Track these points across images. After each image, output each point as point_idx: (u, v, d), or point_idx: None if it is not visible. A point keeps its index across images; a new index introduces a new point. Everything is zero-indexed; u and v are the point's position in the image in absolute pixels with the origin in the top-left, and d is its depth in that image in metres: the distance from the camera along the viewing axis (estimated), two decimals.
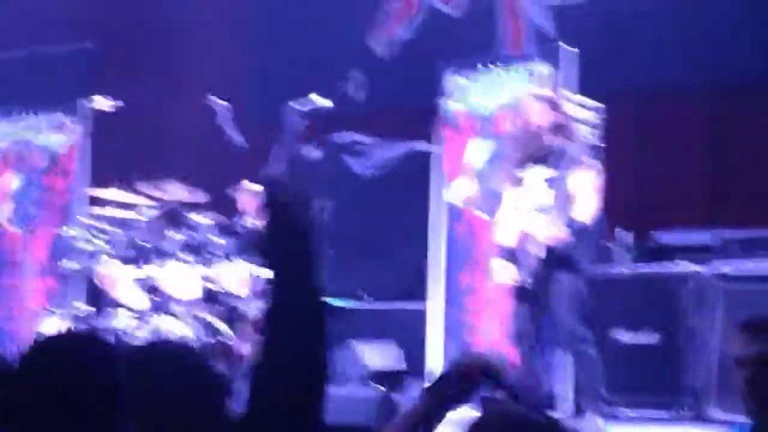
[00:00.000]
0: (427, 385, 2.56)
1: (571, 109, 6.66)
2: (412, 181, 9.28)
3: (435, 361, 7.89)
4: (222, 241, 7.57)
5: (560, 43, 7.73)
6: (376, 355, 8.21)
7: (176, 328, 7.11)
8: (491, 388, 2.52)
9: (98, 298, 7.92)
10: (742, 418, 3.48)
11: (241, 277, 7.38)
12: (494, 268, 6.57)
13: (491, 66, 7.98)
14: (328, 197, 8.12)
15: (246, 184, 8.01)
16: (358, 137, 9.98)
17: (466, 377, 2.51)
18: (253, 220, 7.78)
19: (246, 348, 7.17)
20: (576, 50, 7.52)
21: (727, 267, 7.00)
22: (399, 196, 9.57)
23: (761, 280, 6.84)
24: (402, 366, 8.29)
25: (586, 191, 6.30)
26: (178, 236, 7.53)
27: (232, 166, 7.51)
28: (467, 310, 7.77)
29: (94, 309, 8.04)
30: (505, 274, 6.42)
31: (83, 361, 2.19)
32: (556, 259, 6.27)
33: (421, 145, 9.26)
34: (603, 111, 7.37)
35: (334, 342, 7.96)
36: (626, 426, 6.81)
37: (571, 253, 6.29)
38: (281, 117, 7.13)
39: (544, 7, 9.57)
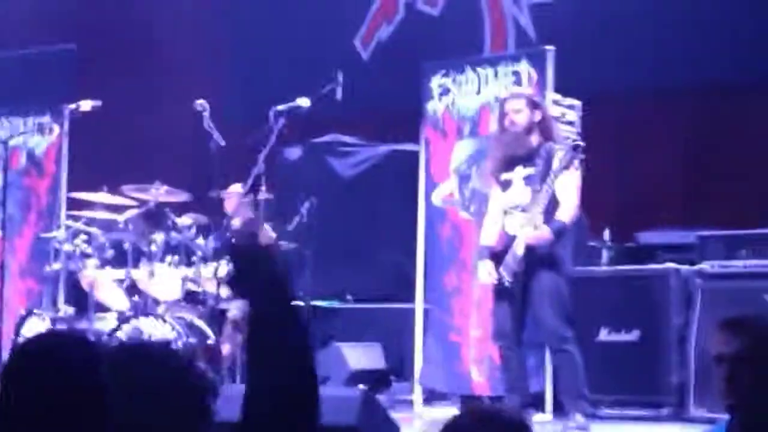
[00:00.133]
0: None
1: (552, 108, 6.68)
2: (396, 182, 9.29)
3: (420, 361, 7.91)
4: (203, 242, 7.56)
5: (544, 45, 7.74)
6: (360, 355, 8.22)
7: (157, 329, 7.10)
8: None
9: (80, 299, 7.91)
10: (721, 416, 3.50)
11: (223, 278, 7.37)
12: (478, 269, 6.58)
13: (474, 66, 7.99)
14: (312, 198, 8.12)
15: (231, 186, 8.00)
16: (341, 138, 10.00)
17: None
18: (236, 221, 7.76)
19: (227, 348, 7.17)
20: (553, 49, 7.53)
21: (707, 265, 7.03)
22: (382, 197, 9.58)
23: (740, 278, 6.88)
24: (385, 366, 8.29)
25: (568, 191, 6.32)
26: (159, 237, 7.52)
27: (214, 167, 7.49)
28: (453, 311, 7.78)
29: (75, 310, 8.03)
30: (488, 274, 6.43)
31: (66, 363, 2.19)
32: (538, 259, 6.28)
33: (404, 147, 9.28)
34: (584, 110, 7.40)
35: (317, 342, 7.95)
36: (608, 425, 6.83)
37: (552, 253, 6.30)
38: (264, 118, 7.12)
39: (526, 7, 9.61)
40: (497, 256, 6.43)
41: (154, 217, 7.71)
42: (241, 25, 11.19)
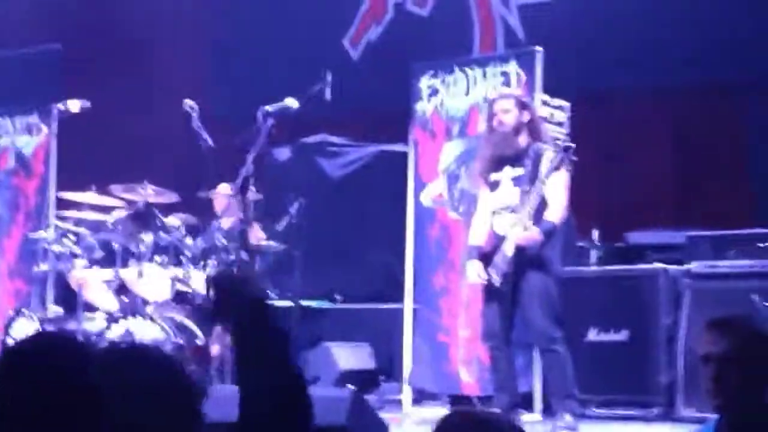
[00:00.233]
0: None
1: (541, 109, 6.68)
2: (385, 182, 9.29)
3: (409, 362, 7.92)
4: (193, 242, 7.55)
5: (533, 46, 7.75)
6: (349, 355, 8.22)
7: (147, 330, 7.09)
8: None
9: (68, 299, 7.89)
10: (710, 416, 3.51)
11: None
12: (466, 269, 6.59)
13: (463, 67, 8.00)
14: (301, 198, 8.12)
15: (220, 186, 8.00)
16: (330, 139, 10.00)
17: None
18: (225, 221, 7.77)
19: (216, 349, 7.16)
20: (541, 49, 7.54)
21: (696, 266, 7.05)
22: (372, 198, 9.58)
23: (729, 278, 6.89)
24: (374, 366, 8.29)
25: (557, 191, 6.32)
26: (148, 237, 7.51)
27: (202, 167, 7.49)
28: (441, 311, 7.79)
29: (64, 311, 8.02)
30: (477, 275, 6.44)
31: (57, 365, 2.18)
32: (527, 259, 6.29)
33: (393, 147, 9.28)
34: (573, 110, 7.41)
35: (306, 343, 7.93)
36: (597, 424, 6.84)
37: (541, 253, 6.31)
38: (252, 119, 7.12)
39: (515, 8, 9.61)
40: (486, 257, 6.43)
41: (143, 217, 7.70)
42: (230, 26, 11.18)
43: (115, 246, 7.49)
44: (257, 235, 7.69)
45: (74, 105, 8.03)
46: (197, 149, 7.44)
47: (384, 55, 10.12)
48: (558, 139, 6.29)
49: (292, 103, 6.99)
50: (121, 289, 7.53)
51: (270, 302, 2.68)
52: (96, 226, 7.73)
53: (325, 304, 9.14)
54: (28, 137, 9.16)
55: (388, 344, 8.35)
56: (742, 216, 7.93)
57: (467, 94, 7.91)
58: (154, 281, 7.45)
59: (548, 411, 6.77)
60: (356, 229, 9.54)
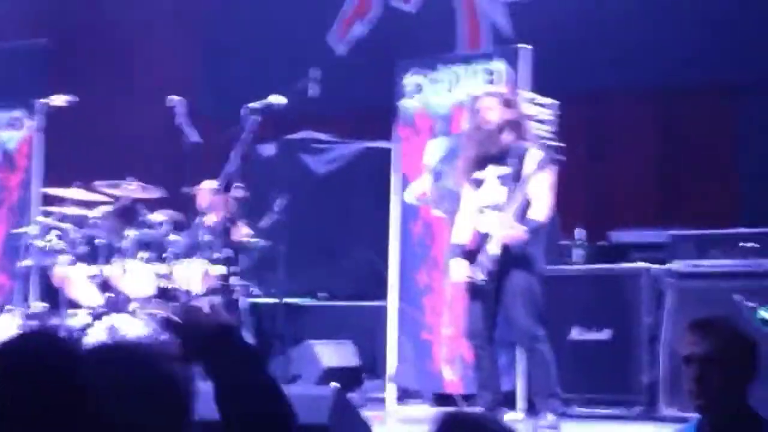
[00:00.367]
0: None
1: (526, 107, 6.68)
2: (369, 179, 9.29)
3: (393, 359, 7.92)
4: (177, 238, 7.54)
5: (519, 44, 7.76)
6: (332, 352, 8.22)
7: (131, 326, 7.08)
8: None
9: (53, 295, 7.87)
10: (692, 415, 3.52)
11: (196, 274, 7.36)
12: (450, 267, 6.58)
13: (448, 64, 8.00)
14: (285, 194, 8.11)
15: (204, 183, 7.99)
16: (315, 135, 9.99)
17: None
18: (209, 218, 7.76)
19: None
20: (528, 47, 7.55)
21: (678, 265, 7.07)
22: (356, 195, 9.58)
23: (711, 277, 6.92)
24: (358, 363, 8.29)
25: (542, 190, 6.32)
26: (132, 233, 7.49)
27: (187, 163, 7.48)
28: (424, 309, 7.79)
29: (47, 307, 7.99)
30: (461, 273, 6.44)
31: (43, 363, 2.17)
32: (511, 258, 6.28)
33: (378, 144, 9.28)
34: (558, 109, 7.41)
35: (290, 340, 7.92)
36: (579, 423, 6.86)
37: (526, 252, 6.31)
38: (238, 115, 7.11)
39: (502, 6, 9.61)
40: (470, 255, 6.43)
41: (127, 213, 7.69)
42: (216, 22, 11.15)
43: (100, 241, 7.47)
44: (241, 232, 7.68)
45: (59, 100, 8.00)
46: (182, 145, 7.44)
47: (369, 51, 10.11)
48: (544, 138, 6.29)
49: (276, 100, 6.98)
50: (105, 285, 7.51)
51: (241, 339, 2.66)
52: (80, 222, 7.71)
53: (308, 302, 9.14)
54: (12, 132, 9.13)
55: (371, 342, 8.36)
56: (726, 216, 7.95)
57: (452, 91, 7.92)
58: (137, 277, 7.43)
59: (531, 410, 6.79)
60: (340, 225, 9.54)
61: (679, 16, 8.69)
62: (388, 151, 8.37)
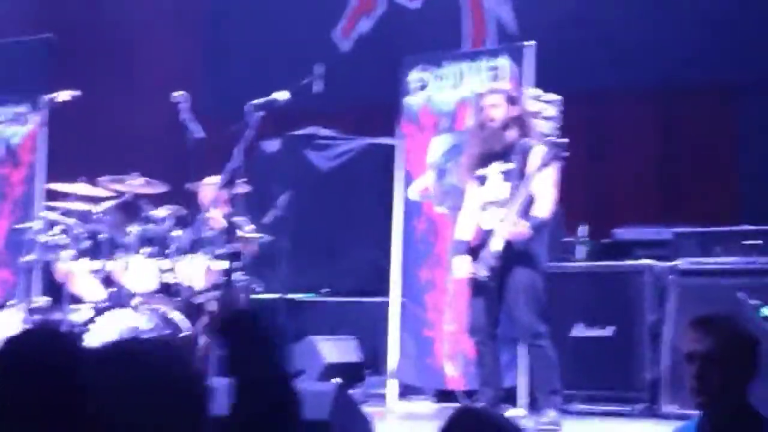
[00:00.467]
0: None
1: (530, 104, 6.68)
2: (373, 175, 9.29)
3: (395, 356, 7.93)
4: (180, 234, 7.55)
5: (524, 41, 7.75)
6: (334, 348, 8.22)
7: (133, 321, 7.09)
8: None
9: (56, 290, 7.88)
10: (693, 412, 3.52)
11: (199, 270, 7.36)
12: (453, 264, 6.58)
13: (453, 61, 8.00)
14: (289, 190, 8.12)
15: (207, 178, 7.99)
16: (319, 131, 9.99)
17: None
18: (212, 213, 7.76)
19: (203, 340, 7.16)
20: (533, 44, 7.54)
21: (682, 262, 7.07)
22: (359, 191, 9.58)
23: (714, 275, 6.91)
24: (359, 359, 8.30)
25: (545, 187, 6.32)
26: (136, 229, 7.50)
27: (191, 159, 7.48)
28: (426, 306, 7.79)
29: (50, 302, 7.99)
30: (464, 270, 6.44)
31: (48, 362, 2.17)
32: (514, 255, 6.28)
33: (382, 140, 9.28)
34: (562, 106, 7.41)
35: (292, 336, 7.92)
36: (581, 420, 6.86)
37: (529, 249, 6.31)
38: (242, 111, 7.11)
39: (507, 2, 9.61)
40: (473, 251, 6.43)
41: (130, 208, 7.69)
42: (220, 17, 11.16)
43: (103, 236, 7.48)
44: (244, 228, 7.69)
45: (64, 95, 8.00)
46: (186, 141, 7.44)
47: (374, 48, 10.12)
48: (548, 134, 6.29)
49: (280, 96, 6.98)
50: (108, 280, 7.52)
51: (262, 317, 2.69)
52: (84, 217, 7.71)
53: (311, 297, 9.14)
54: (17, 127, 9.14)
55: (373, 338, 8.36)
56: (726, 216, 7.94)
57: (456, 88, 7.92)
58: (140, 272, 7.44)
59: (533, 406, 6.79)
60: (343, 222, 9.54)
61: (679, 16, 8.69)
62: (391, 148, 8.37)
